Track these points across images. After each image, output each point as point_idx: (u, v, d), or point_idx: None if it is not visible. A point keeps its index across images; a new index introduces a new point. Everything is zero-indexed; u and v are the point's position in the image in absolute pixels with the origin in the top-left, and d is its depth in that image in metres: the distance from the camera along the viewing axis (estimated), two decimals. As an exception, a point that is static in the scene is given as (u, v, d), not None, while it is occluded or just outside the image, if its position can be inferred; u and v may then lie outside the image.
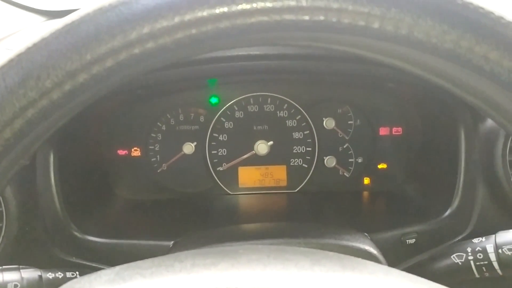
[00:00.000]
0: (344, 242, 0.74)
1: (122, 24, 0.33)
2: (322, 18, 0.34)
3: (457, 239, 0.94)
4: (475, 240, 0.74)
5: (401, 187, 1.23)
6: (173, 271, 0.37)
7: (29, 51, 0.33)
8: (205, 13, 0.33)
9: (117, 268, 0.40)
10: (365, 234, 0.86)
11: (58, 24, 0.34)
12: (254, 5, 0.33)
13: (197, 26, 0.34)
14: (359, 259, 0.42)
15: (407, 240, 0.90)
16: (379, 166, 1.28)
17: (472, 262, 0.71)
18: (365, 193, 1.28)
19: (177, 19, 0.33)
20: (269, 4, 0.34)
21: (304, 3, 0.34)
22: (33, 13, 1.17)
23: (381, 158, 1.28)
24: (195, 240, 0.83)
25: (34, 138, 0.36)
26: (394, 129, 1.26)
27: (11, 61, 0.33)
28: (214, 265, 0.38)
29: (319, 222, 0.99)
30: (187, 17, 0.33)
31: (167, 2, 0.33)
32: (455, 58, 0.35)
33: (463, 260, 0.72)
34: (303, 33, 0.37)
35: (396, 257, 0.89)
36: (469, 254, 0.72)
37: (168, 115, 1.25)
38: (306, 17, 0.34)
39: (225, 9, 0.33)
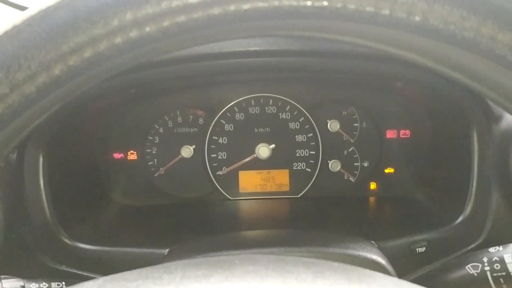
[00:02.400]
0: (350, 251, 0.69)
1: (102, 10, 0.29)
2: (339, 5, 0.30)
3: (470, 247, 0.89)
4: (492, 249, 0.69)
5: (409, 192, 1.19)
6: (161, 284, 0.34)
7: None
8: None
9: (101, 280, 0.37)
10: (372, 242, 0.81)
11: (32, 10, 0.30)
12: None
13: (186, 13, 0.30)
14: (367, 271, 0.39)
15: (417, 249, 0.86)
16: (386, 171, 1.24)
17: (488, 273, 0.66)
18: (371, 199, 1.24)
19: (164, 5, 0.29)
20: None
21: None
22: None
23: (388, 162, 1.24)
24: (191, 248, 0.78)
25: (6, 138, 0.32)
26: (402, 131, 1.22)
27: None
28: (206, 277, 0.35)
29: (323, 229, 0.94)
30: (175, 2, 0.29)
31: None
32: (475, 47, 0.31)
33: (478, 271, 0.66)
34: (307, 21, 0.32)
35: (405, 267, 0.85)
36: (485, 264, 0.67)
37: (165, 117, 1.21)
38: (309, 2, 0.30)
39: None
